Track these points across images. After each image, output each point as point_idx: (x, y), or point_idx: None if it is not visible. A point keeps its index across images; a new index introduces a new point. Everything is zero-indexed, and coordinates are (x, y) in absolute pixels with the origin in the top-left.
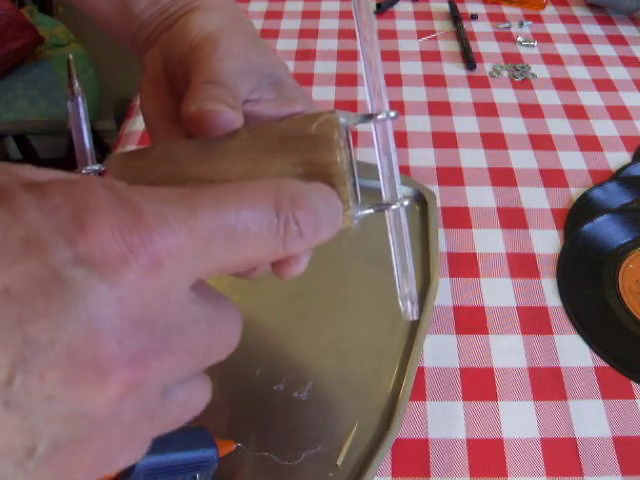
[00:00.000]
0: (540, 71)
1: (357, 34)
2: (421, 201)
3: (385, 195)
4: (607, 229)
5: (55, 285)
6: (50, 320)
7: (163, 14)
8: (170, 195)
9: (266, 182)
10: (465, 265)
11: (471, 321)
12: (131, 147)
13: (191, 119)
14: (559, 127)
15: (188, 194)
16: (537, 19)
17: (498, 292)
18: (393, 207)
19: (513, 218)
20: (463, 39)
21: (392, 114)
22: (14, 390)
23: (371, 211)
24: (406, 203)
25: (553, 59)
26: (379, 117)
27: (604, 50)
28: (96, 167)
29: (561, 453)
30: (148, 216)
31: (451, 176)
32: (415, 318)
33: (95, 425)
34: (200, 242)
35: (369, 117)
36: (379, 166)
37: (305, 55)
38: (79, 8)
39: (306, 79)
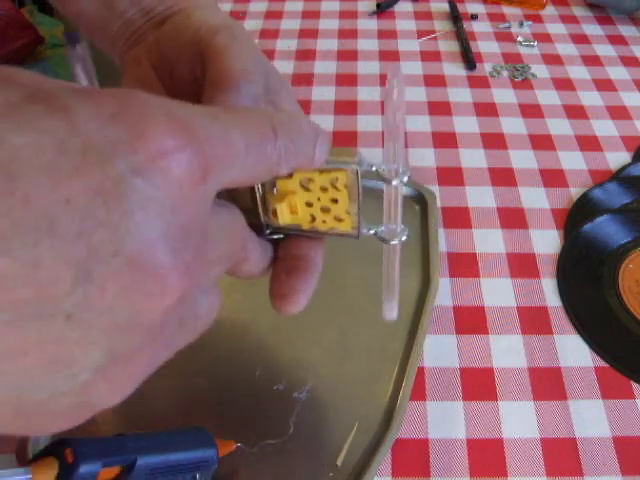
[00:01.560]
0: (540, 71)
1: (385, 105)
2: (421, 201)
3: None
4: (607, 229)
5: (115, 195)
6: (111, 230)
7: (148, 13)
8: (206, 113)
9: (260, 111)
10: (465, 265)
11: (471, 321)
12: None
13: None
14: (559, 127)
15: (220, 116)
16: (537, 19)
17: (498, 292)
18: (392, 242)
19: (513, 218)
20: (463, 39)
21: (404, 179)
22: (76, 303)
23: (371, 233)
24: (404, 238)
25: (553, 59)
26: (394, 183)
27: (604, 50)
28: None
29: (561, 453)
30: (199, 129)
31: (451, 176)
32: (394, 318)
33: (148, 334)
34: (235, 153)
35: (383, 180)
36: (385, 211)
37: (305, 55)
38: (59, 9)
39: (306, 79)
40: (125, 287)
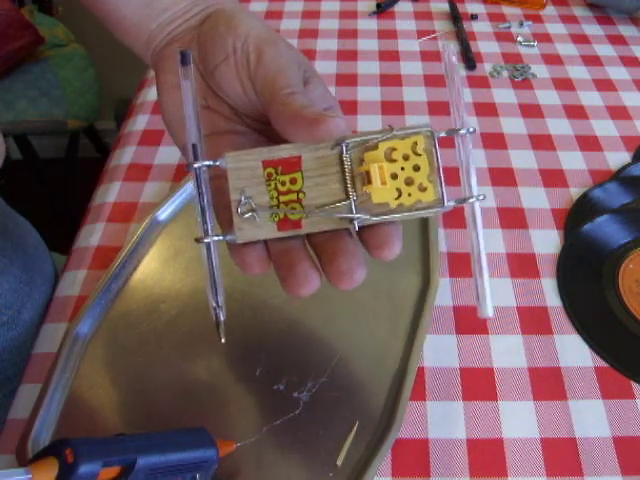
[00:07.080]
0: (540, 71)
1: (446, 77)
2: None
3: (465, 192)
4: (607, 229)
5: None
6: None
7: (186, 13)
8: None
9: None
10: (465, 265)
11: (471, 321)
12: (131, 147)
13: (304, 120)
14: (559, 127)
15: None
16: (537, 19)
17: (498, 292)
18: (471, 200)
19: (513, 218)
20: (463, 39)
21: (471, 129)
22: None
23: (453, 204)
24: (482, 198)
25: (553, 59)
26: (461, 132)
27: (604, 50)
28: (208, 162)
29: (561, 453)
30: None
31: (451, 176)
32: (490, 315)
33: None
34: None
35: (453, 131)
36: (461, 167)
37: (305, 55)
38: (88, 9)
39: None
40: None
